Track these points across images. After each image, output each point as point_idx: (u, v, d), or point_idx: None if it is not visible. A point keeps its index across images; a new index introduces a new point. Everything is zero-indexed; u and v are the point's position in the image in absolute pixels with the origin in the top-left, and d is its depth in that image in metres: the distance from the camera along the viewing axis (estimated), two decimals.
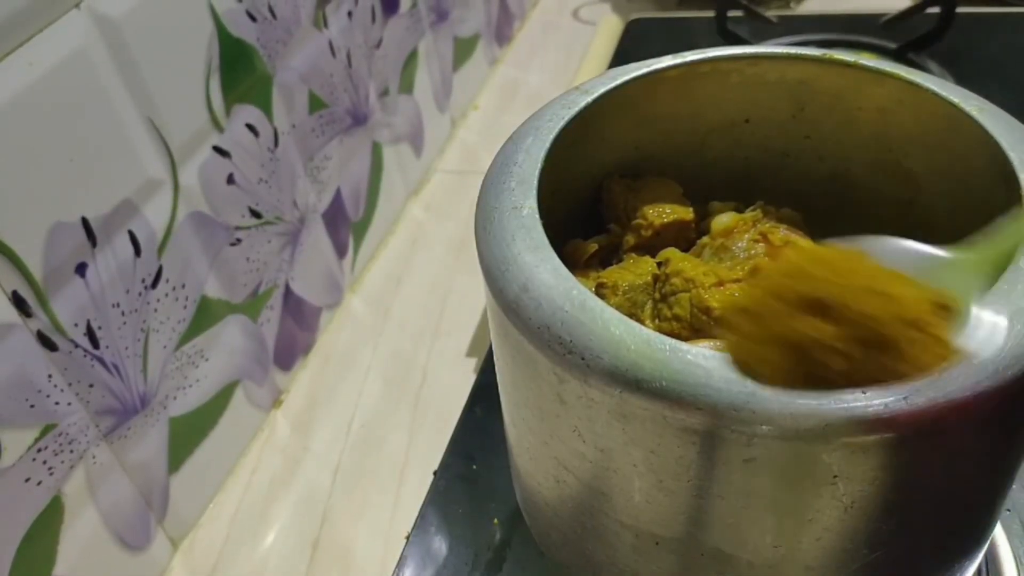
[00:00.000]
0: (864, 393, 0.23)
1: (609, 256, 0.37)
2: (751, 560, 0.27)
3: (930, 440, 0.24)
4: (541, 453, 0.31)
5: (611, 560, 0.31)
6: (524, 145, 0.32)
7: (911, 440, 0.23)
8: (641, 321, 0.31)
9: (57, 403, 0.39)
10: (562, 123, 0.33)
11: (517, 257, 0.28)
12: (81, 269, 0.40)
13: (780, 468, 0.24)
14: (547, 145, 0.32)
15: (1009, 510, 0.41)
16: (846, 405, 0.23)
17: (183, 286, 0.46)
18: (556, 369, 0.26)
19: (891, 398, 0.23)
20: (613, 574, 0.32)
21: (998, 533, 0.40)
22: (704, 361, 0.24)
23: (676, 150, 0.39)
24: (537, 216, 0.29)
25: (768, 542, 0.27)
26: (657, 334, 0.25)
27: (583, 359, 0.25)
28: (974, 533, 0.31)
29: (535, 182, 0.30)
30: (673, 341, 0.24)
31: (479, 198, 0.31)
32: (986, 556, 0.40)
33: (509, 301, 0.27)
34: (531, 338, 0.26)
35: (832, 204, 0.38)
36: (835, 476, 0.24)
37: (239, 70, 0.49)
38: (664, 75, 0.36)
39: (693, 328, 0.30)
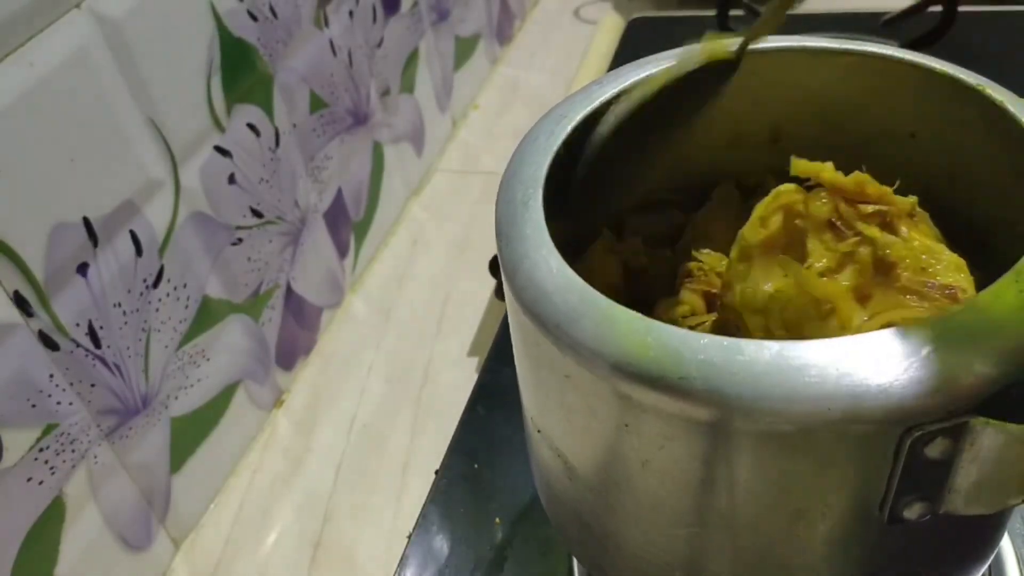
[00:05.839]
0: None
1: None
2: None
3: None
4: (554, 438, 0.30)
5: (624, 548, 0.31)
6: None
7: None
8: None
9: (59, 403, 0.39)
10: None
11: (530, 252, 0.27)
12: (83, 269, 0.40)
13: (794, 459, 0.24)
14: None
15: None
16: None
17: (184, 286, 0.46)
18: (569, 363, 0.26)
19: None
20: (625, 562, 0.31)
21: None
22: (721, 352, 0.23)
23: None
24: (541, 210, 0.29)
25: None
26: (681, 329, 0.24)
27: (592, 353, 0.25)
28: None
29: (543, 175, 0.30)
30: (694, 334, 0.24)
31: (500, 191, 0.30)
32: None
33: (519, 293, 0.27)
34: (547, 335, 0.26)
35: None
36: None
37: (240, 70, 0.49)
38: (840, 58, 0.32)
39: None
